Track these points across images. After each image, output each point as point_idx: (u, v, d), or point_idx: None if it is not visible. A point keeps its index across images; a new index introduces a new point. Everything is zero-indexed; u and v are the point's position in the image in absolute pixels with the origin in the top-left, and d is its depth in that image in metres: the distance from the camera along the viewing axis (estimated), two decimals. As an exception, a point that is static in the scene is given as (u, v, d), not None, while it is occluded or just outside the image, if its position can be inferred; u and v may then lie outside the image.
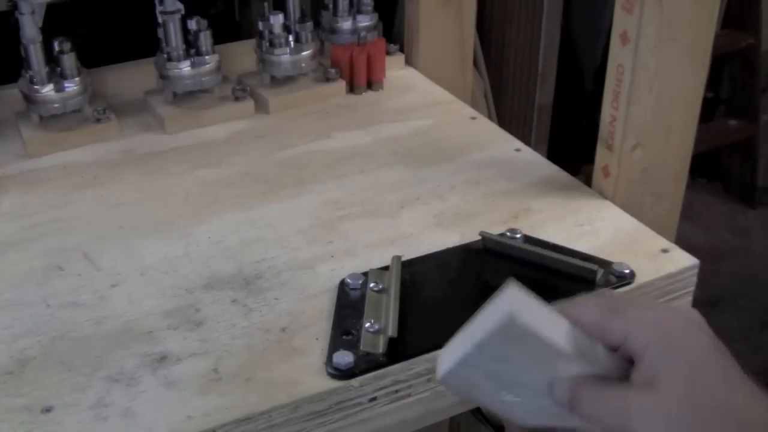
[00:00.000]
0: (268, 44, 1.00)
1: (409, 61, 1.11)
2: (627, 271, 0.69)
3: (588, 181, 0.83)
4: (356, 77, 1.03)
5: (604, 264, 0.70)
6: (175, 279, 0.70)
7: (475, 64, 1.47)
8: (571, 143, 2.35)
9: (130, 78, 1.03)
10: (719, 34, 2.26)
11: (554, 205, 0.80)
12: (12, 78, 0.95)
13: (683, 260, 0.72)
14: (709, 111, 2.51)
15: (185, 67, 0.96)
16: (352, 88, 1.04)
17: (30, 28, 0.89)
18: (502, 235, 0.73)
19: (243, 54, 1.06)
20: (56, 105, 0.92)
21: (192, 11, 0.95)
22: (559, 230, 0.76)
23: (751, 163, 2.52)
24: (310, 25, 1.01)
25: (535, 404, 0.46)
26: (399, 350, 0.61)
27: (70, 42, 0.92)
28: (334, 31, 1.07)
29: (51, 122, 0.93)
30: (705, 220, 2.47)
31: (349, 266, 0.71)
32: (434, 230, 0.77)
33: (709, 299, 2.10)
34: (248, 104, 0.99)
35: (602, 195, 0.81)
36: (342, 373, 0.59)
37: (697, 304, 0.74)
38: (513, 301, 0.42)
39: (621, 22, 0.73)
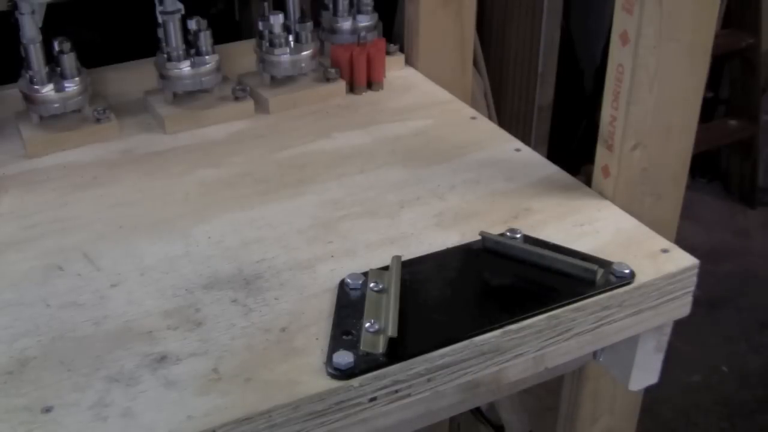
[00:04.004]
0: (268, 44, 1.00)
1: (409, 61, 1.10)
2: (627, 271, 0.69)
3: (588, 181, 0.83)
4: (356, 77, 1.03)
5: (604, 264, 0.70)
6: (175, 279, 0.70)
7: (475, 64, 1.47)
8: (571, 143, 2.35)
9: (130, 78, 1.03)
10: (719, 34, 2.26)
11: (554, 205, 0.80)
12: (12, 78, 0.95)
13: (683, 260, 0.72)
14: (709, 111, 2.51)
15: (185, 67, 0.96)
16: (352, 88, 1.04)
17: (30, 28, 0.89)
18: (502, 235, 0.73)
19: (243, 54, 1.06)
20: (56, 105, 0.92)
21: (192, 11, 0.95)
22: (559, 230, 0.76)
23: (751, 163, 2.52)
24: (310, 25, 1.01)
25: None
26: (399, 350, 0.61)
27: (70, 42, 0.92)
28: (334, 31, 1.07)
29: (51, 122, 0.93)
30: (705, 220, 2.47)
31: (349, 266, 0.71)
32: (434, 230, 0.77)
33: (709, 299, 2.10)
34: (248, 104, 0.99)
35: (602, 195, 0.80)
36: (342, 373, 0.59)
37: (697, 304, 0.74)
38: None
39: (621, 22, 0.73)
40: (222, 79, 0.99)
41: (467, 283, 0.70)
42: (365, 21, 1.07)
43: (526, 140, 0.92)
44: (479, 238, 0.73)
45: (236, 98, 0.98)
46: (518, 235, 0.73)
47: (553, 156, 0.89)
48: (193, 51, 0.97)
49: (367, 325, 0.63)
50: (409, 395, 0.62)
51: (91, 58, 0.99)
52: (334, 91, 1.03)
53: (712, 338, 2.02)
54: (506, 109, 2.03)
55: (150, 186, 0.85)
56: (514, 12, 1.95)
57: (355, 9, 1.07)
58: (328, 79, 1.03)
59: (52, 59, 0.92)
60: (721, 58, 2.43)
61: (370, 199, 0.82)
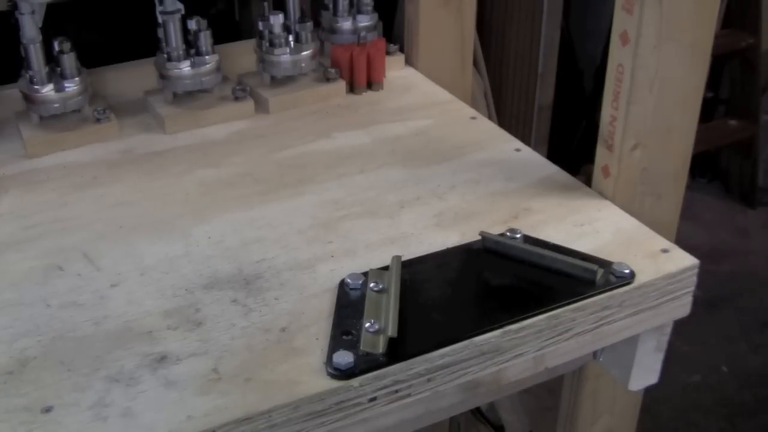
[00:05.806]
0: (268, 44, 1.00)
1: (409, 61, 1.11)
2: (627, 271, 0.69)
3: (588, 181, 0.83)
4: (356, 77, 1.03)
5: (604, 264, 0.70)
6: (175, 279, 0.70)
7: (475, 64, 1.47)
8: (571, 143, 2.35)
9: (130, 78, 1.03)
10: (719, 34, 2.26)
11: (554, 205, 0.80)
12: (12, 78, 0.95)
13: (683, 260, 0.72)
14: (709, 111, 2.51)
15: (185, 67, 0.96)
16: (352, 88, 1.04)
17: (30, 28, 0.89)
18: (502, 235, 0.73)
19: (243, 54, 1.06)
20: (56, 105, 0.92)
21: (192, 11, 0.95)
22: (559, 230, 0.76)
23: (751, 163, 2.52)
24: (310, 25, 1.01)
25: None
26: (399, 350, 0.61)
27: (70, 42, 0.92)
28: (334, 31, 1.07)
29: (51, 122, 0.93)
30: (705, 220, 2.47)
31: (349, 266, 0.71)
32: (434, 230, 0.77)
33: (709, 299, 2.10)
34: (248, 104, 0.99)
35: (602, 195, 0.80)
36: (342, 373, 0.59)
37: (697, 304, 0.74)
38: None
39: (621, 22, 0.73)
40: (222, 79, 0.99)
41: (467, 283, 0.70)
42: (365, 21, 1.07)
43: (526, 140, 0.92)
44: (479, 238, 0.73)
45: (236, 98, 0.98)
46: (518, 235, 0.73)
47: (553, 156, 0.89)
48: (193, 51, 0.97)
49: (367, 325, 0.63)
50: (409, 395, 0.62)
51: (91, 58, 0.99)
52: (334, 91, 1.03)
53: (712, 338, 2.02)
54: (506, 109, 2.03)
55: (150, 186, 0.85)
56: (514, 12, 1.95)
57: (355, 9, 1.07)
58: (328, 79, 1.03)
59: (52, 59, 0.92)
60: (721, 58, 2.43)
61: (370, 199, 0.82)
